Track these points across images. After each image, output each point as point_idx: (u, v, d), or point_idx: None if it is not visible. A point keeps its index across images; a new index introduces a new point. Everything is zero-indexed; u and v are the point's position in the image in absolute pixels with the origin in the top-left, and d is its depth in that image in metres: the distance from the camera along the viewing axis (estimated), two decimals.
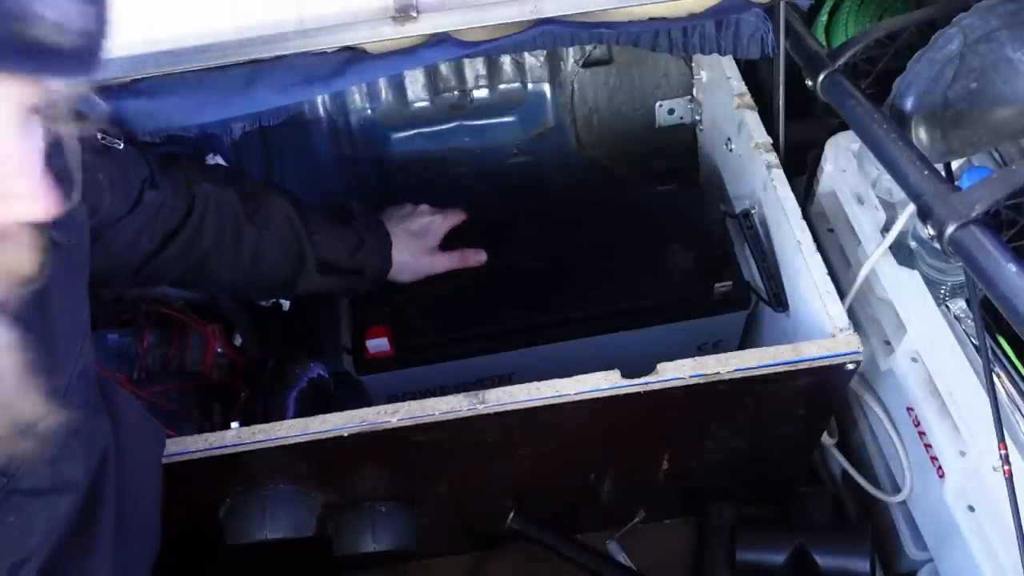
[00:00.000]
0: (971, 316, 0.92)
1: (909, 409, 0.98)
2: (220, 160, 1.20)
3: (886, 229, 0.98)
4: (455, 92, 1.35)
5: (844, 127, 1.01)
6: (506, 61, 1.34)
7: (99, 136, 0.84)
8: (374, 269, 1.06)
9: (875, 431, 1.09)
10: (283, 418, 1.03)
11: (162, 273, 0.98)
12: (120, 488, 0.70)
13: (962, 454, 0.89)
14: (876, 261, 0.96)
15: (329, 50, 0.94)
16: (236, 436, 0.87)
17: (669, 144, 1.38)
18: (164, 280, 1.02)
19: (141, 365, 1.11)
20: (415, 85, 1.33)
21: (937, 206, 0.77)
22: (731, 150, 1.20)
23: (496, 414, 0.87)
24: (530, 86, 1.36)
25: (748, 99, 1.15)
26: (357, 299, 1.12)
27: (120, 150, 0.87)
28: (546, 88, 1.36)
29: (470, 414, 0.87)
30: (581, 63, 1.32)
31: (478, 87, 1.35)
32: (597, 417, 0.91)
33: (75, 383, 0.65)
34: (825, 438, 1.14)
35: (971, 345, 0.91)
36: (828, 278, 0.96)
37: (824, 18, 1.14)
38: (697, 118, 1.34)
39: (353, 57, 0.94)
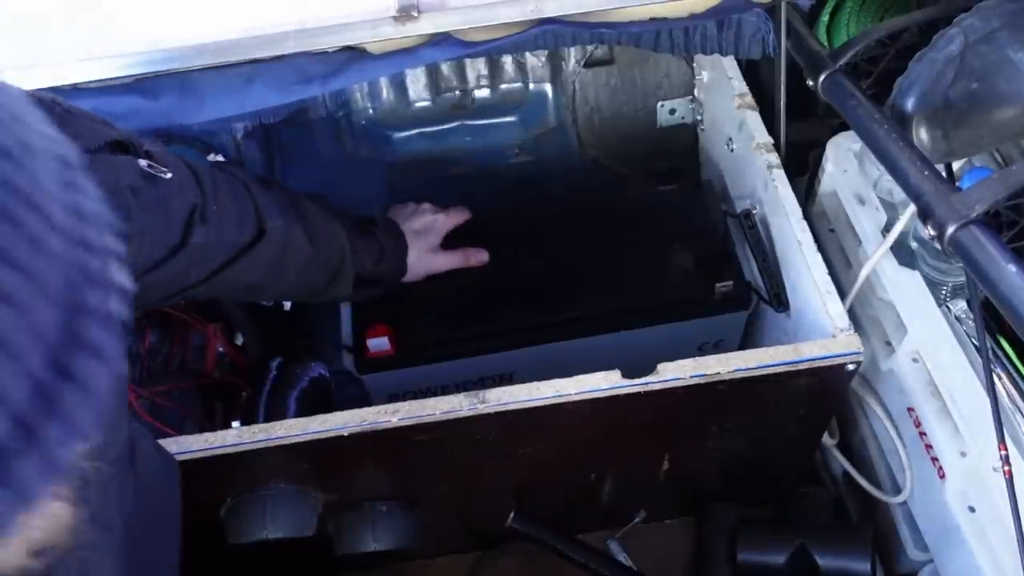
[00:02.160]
0: (972, 317, 0.92)
1: (910, 409, 0.98)
2: (221, 160, 1.20)
3: (887, 229, 0.98)
4: (456, 92, 1.35)
5: (845, 127, 1.01)
6: (507, 61, 1.34)
7: (145, 165, 0.73)
8: (391, 277, 1.06)
9: (876, 431, 1.09)
10: (284, 417, 1.03)
11: (199, 296, 0.90)
12: (135, 540, 0.63)
13: (963, 455, 0.89)
14: (877, 261, 0.96)
15: (330, 50, 0.94)
16: (237, 435, 0.87)
17: (670, 144, 1.38)
18: (196, 299, 0.95)
19: (142, 364, 1.11)
20: (416, 85, 1.33)
21: (938, 206, 0.77)
22: (732, 150, 1.20)
23: (497, 414, 0.87)
24: (531, 86, 1.36)
25: (749, 99, 1.15)
26: None
27: (167, 179, 0.75)
28: (547, 88, 1.36)
29: (471, 414, 0.87)
30: (583, 63, 1.32)
31: (479, 87, 1.35)
32: (598, 417, 0.91)
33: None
34: (826, 438, 1.14)
35: (972, 346, 0.91)
36: (829, 278, 0.95)
37: (825, 18, 1.14)
38: (698, 118, 1.34)
39: (353, 56, 0.94)
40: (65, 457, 0.33)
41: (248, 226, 0.88)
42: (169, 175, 0.76)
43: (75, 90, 0.90)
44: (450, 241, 1.12)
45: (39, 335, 0.32)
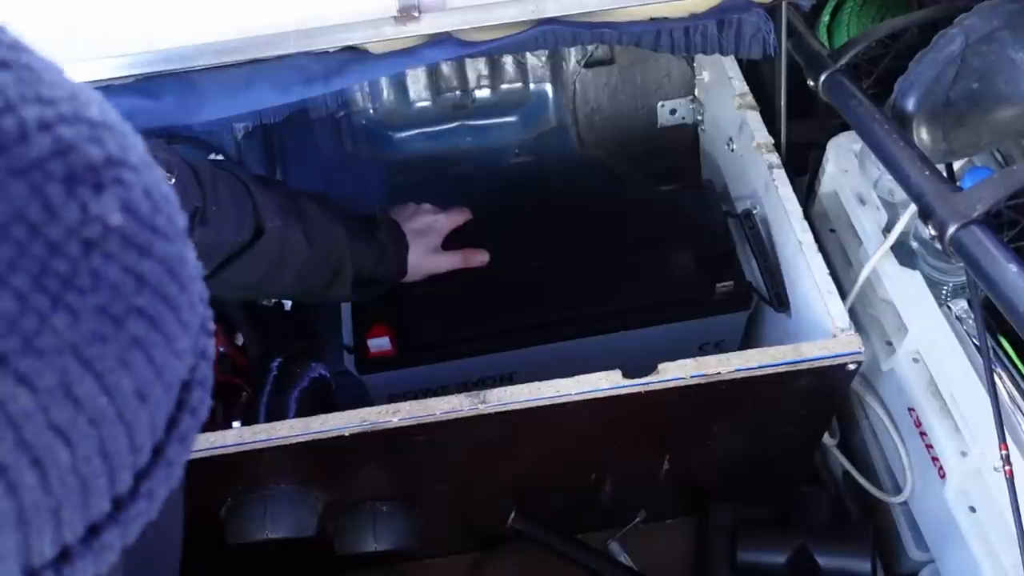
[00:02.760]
0: (972, 316, 0.92)
1: (910, 409, 0.98)
2: (221, 159, 1.20)
3: (887, 229, 0.98)
4: (457, 92, 1.35)
5: (846, 127, 1.01)
6: (508, 61, 1.34)
7: None
8: (391, 277, 1.06)
9: (876, 431, 1.09)
10: (284, 418, 1.03)
11: None
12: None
13: (963, 455, 0.89)
14: (877, 261, 0.96)
15: (330, 50, 0.94)
16: (237, 436, 0.87)
17: (671, 144, 1.38)
18: None
19: None
20: (417, 85, 1.33)
21: (938, 206, 0.77)
22: (733, 150, 1.20)
23: (497, 414, 0.87)
24: (532, 86, 1.36)
25: (750, 99, 1.15)
26: None
27: (171, 184, 0.76)
28: (548, 88, 1.36)
29: (471, 414, 0.87)
30: (583, 63, 1.32)
31: (480, 87, 1.35)
32: (598, 417, 0.91)
33: None
34: (826, 438, 1.14)
35: (972, 345, 0.91)
36: (829, 278, 0.95)
37: (826, 18, 1.14)
38: (699, 118, 1.34)
39: (354, 57, 0.94)
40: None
41: (246, 226, 0.88)
42: (173, 180, 0.77)
43: None
44: (450, 241, 1.12)
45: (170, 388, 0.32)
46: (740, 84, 1.17)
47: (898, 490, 1.04)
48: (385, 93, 1.33)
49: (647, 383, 0.88)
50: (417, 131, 1.35)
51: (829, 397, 1.00)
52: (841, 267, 1.08)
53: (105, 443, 0.29)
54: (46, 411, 0.27)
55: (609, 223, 1.16)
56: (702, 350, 1.17)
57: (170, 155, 0.82)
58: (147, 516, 0.32)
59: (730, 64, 1.19)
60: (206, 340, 0.35)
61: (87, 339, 0.28)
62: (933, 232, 0.77)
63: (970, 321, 0.93)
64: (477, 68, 1.33)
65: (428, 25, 0.93)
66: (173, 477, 0.33)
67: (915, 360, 0.95)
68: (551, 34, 0.97)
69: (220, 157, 1.20)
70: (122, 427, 0.29)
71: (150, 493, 0.32)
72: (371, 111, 1.34)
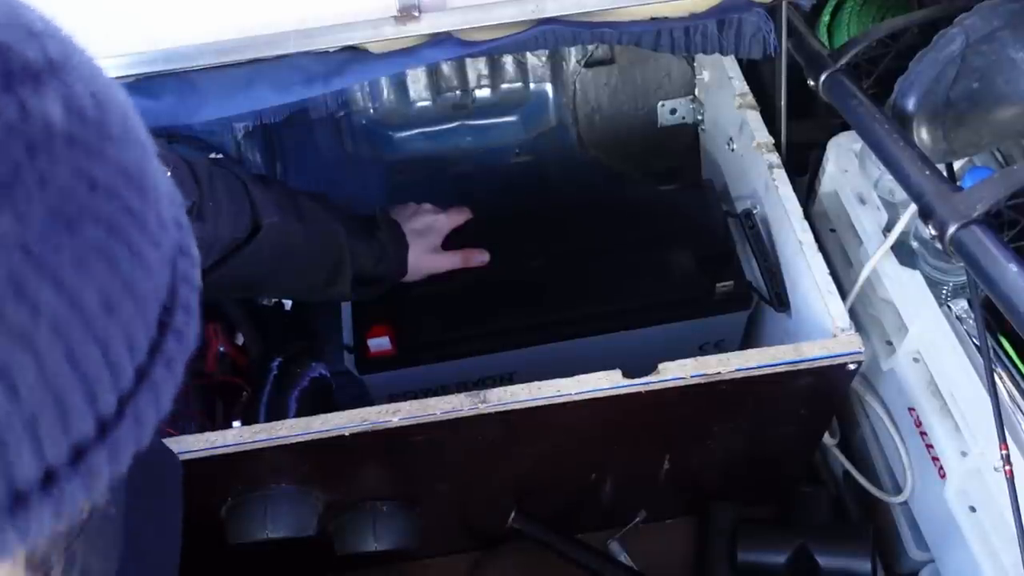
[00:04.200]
0: (972, 316, 0.92)
1: (910, 409, 0.98)
2: (220, 158, 1.20)
3: (888, 229, 0.98)
4: (457, 92, 1.35)
5: (846, 127, 1.01)
6: (508, 61, 1.34)
7: None
8: (391, 277, 1.06)
9: (876, 431, 1.09)
10: (284, 417, 1.03)
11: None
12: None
13: (963, 454, 0.89)
14: (878, 261, 0.96)
15: (331, 50, 0.94)
16: (237, 435, 0.87)
17: (671, 144, 1.38)
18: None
19: None
20: (417, 85, 1.33)
21: (939, 206, 0.77)
22: (733, 150, 1.20)
23: (497, 414, 0.87)
24: (532, 86, 1.36)
25: (750, 99, 1.15)
26: None
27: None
28: (548, 88, 1.36)
29: (471, 414, 0.87)
30: (583, 63, 1.32)
31: (480, 87, 1.35)
32: (598, 417, 0.91)
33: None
34: (826, 438, 1.14)
35: (973, 345, 0.91)
36: (830, 278, 0.95)
37: (826, 18, 1.14)
38: (699, 118, 1.34)
39: (355, 56, 0.94)
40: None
41: (243, 223, 0.88)
42: (169, 174, 0.76)
43: None
44: (450, 241, 1.12)
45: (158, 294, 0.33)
46: (740, 84, 1.17)
47: (898, 490, 1.04)
48: (385, 93, 1.33)
49: (647, 383, 0.88)
50: (417, 131, 1.35)
51: (829, 397, 1.00)
52: (841, 267, 1.08)
53: (74, 353, 0.29)
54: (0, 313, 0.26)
55: (609, 223, 1.16)
56: (702, 350, 1.17)
57: (166, 151, 0.82)
58: (136, 442, 0.32)
59: (730, 64, 1.19)
60: (187, 264, 0.35)
61: (36, 239, 0.27)
62: (933, 232, 0.77)
63: (970, 321, 0.93)
64: (477, 68, 1.33)
65: (428, 25, 0.93)
66: (161, 403, 0.33)
67: (915, 360, 0.95)
68: (551, 34, 0.97)
69: (220, 157, 1.20)
70: (90, 338, 0.29)
71: (136, 416, 0.32)
72: (371, 111, 1.34)
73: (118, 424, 0.31)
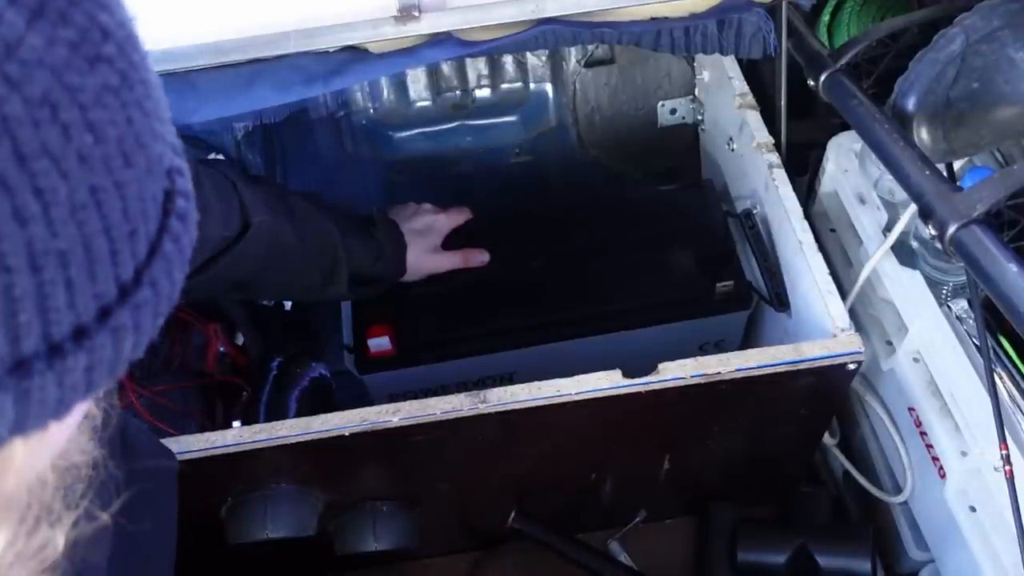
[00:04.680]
0: (972, 316, 0.92)
1: (910, 409, 0.98)
2: (220, 158, 1.20)
3: (888, 229, 0.98)
4: (457, 92, 1.35)
5: (846, 127, 1.01)
6: (508, 61, 1.34)
7: None
8: (389, 276, 1.06)
9: (876, 431, 1.09)
10: (284, 417, 1.03)
11: (189, 293, 0.90)
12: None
13: (963, 454, 0.89)
14: (878, 261, 0.96)
15: (331, 49, 0.94)
16: (237, 435, 0.87)
17: (671, 144, 1.38)
18: (188, 296, 0.97)
19: (142, 363, 1.11)
20: (417, 85, 1.33)
21: (938, 206, 0.77)
22: (733, 150, 1.20)
23: (497, 414, 0.87)
24: (532, 86, 1.36)
25: (750, 99, 1.15)
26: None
27: None
28: (548, 88, 1.36)
29: (471, 414, 0.87)
30: (583, 63, 1.32)
31: (480, 87, 1.35)
32: (598, 417, 0.91)
33: None
34: (826, 438, 1.14)
35: (973, 345, 0.91)
36: (830, 278, 0.95)
37: (826, 18, 1.14)
38: (699, 118, 1.34)
39: (354, 56, 0.94)
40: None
41: (233, 220, 0.88)
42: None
43: None
44: (450, 241, 1.12)
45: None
46: (740, 84, 1.17)
47: (898, 490, 1.04)
48: (385, 93, 1.33)
49: (647, 383, 0.88)
50: (417, 131, 1.36)
51: (829, 397, 1.00)
52: (841, 267, 1.08)
53: (98, 192, 0.30)
54: (36, 126, 0.27)
55: (609, 223, 1.17)
56: (702, 350, 1.17)
57: None
58: (155, 309, 0.34)
59: (730, 64, 1.19)
60: (180, 161, 0.36)
61: (63, 64, 0.28)
62: (933, 232, 0.77)
63: (970, 321, 0.93)
64: (477, 68, 1.33)
65: (428, 25, 0.93)
66: (174, 276, 0.35)
67: (915, 360, 0.95)
68: (551, 34, 0.97)
69: (220, 157, 1.20)
70: (111, 183, 0.30)
71: (153, 282, 0.33)
72: (371, 111, 1.34)
73: (137, 289, 0.33)
